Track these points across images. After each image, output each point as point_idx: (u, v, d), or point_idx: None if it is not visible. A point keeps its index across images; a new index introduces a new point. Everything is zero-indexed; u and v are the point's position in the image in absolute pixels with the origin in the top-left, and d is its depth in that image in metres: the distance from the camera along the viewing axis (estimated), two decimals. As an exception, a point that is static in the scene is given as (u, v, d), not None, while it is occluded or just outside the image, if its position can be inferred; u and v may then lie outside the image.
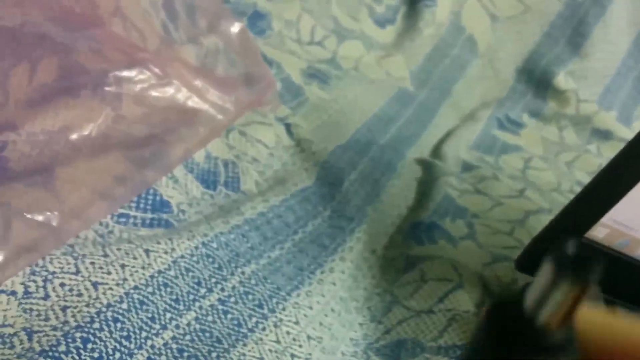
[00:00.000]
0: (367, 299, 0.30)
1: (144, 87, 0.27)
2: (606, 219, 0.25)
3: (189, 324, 0.23)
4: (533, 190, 0.43)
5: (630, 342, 0.10)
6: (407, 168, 0.43)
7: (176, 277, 0.24)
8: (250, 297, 0.25)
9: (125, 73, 0.27)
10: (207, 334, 0.23)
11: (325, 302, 0.27)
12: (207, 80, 0.27)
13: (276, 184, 0.34)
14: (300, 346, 0.25)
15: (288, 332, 0.25)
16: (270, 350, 0.23)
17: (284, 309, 0.25)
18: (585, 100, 0.55)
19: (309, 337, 0.25)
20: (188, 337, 0.22)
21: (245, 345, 0.23)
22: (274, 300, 0.26)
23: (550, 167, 0.49)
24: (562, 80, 0.56)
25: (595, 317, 0.10)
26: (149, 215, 0.28)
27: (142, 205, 0.28)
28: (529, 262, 0.26)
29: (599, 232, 0.26)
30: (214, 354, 0.22)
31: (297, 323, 0.25)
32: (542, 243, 0.26)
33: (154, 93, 0.26)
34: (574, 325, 0.10)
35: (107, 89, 0.27)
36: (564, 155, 0.51)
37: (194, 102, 0.26)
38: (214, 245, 0.26)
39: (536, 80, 0.58)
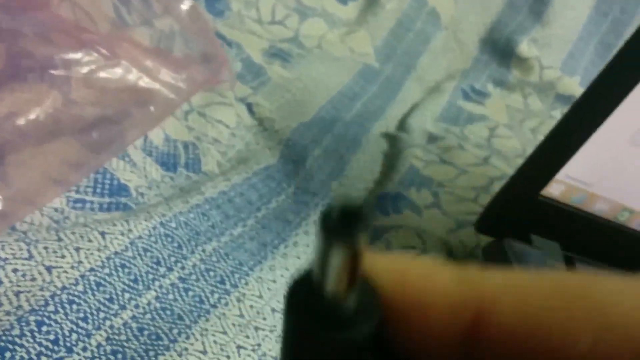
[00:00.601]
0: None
1: (92, 69, 0.26)
2: (560, 176, 0.26)
3: (149, 303, 0.23)
4: (498, 158, 0.44)
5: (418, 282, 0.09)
6: (372, 142, 0.43)
7: (134, 258, 0.23)
8: (211, 273, 0.25)
9: (72, 55, 0.26)
10: (168, 312, 0.23)
11: (287, 276, 0.27)
12: (159, 60, 0.27)
13: (239, 164, 0.34)
14: (264, 319, 0.25)
15: (252, 306, 0.25)
16: (233, 325, 0.23)
17: (246, 284, 0.25)
18: (549, 66, 0.56)
19: (273, 310, 0.25)
20: (148, 315, 0.22)
21: (207, 320, 0.23)
22: (237, 275, 0.25)
23: (515, 134, 0.50)
24: (525, 48, 0.57)
25: (386, 267, 0.09)
26: (107, 199, 0.27)
27: (98, 190, 0.27)
28: (488, 224, 0.27)
29: (555, 189, 0.26)
30: (175, 331, 0.22)
31: (260, 297, 0.25)
32: (500, 204, 0.26)
33: (103, 74, 0.25)
34: (365, 287, 0.09)
35: (54, 72, 0.26)
36: (528, 122, 0.52)
37: (145, 82, 0.26)
38: (173, 224, 0.26)
39: (500, 49, 0.58)
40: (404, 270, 0.09)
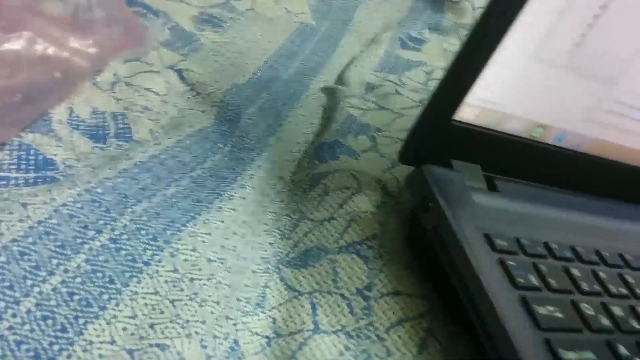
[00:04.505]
0: (276, 220, 0.31)
1: (-4, 44, 0.25)
2: (471, 98, 0.26)
3: (78, 267, 0.23)
4: (436, 99, 0.45)
5: None
6: (311, 97, 0.44)
7: (59, 225, 0.24)
8: (143, 232, 0.25)
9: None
10: (100, 274, 0.23)
11: (225, 227, 0.28)
12: (66, 28, 0.27)
13: (172, 129, 0.34)
14: (200, 270, 0.25)
15: (186, 260, 0.25)
16: (166, 282, 0.24)
17: (179, 239, 0.26)
18: (480, 7, 0.56)
19: (209, 260, 0.26)
20: (79, 279, 0.22)
21: (139, 281, 0.23)
22: (169, 232, 0.26)
23: (454, 76, 0.50)
24: (458, -9, 0.57)
25: None
26: (32, 174, 0.27)
27: (23, 167, 0.27)
28: (409, 154, 0.27)
29: (468, 113, 0.27)
30: (105, 296, 0.22)
31: (194, 250, 0.26)
32: (417, 133, 0.27)
33: (7, 46, 0.25)
34: None
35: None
36: (466, 63, 0.52)
37: (52, 51, 0.26)
38: (100, 190, 0.26)
39: (434, -5, 0.58)
40: None
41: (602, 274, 0.26)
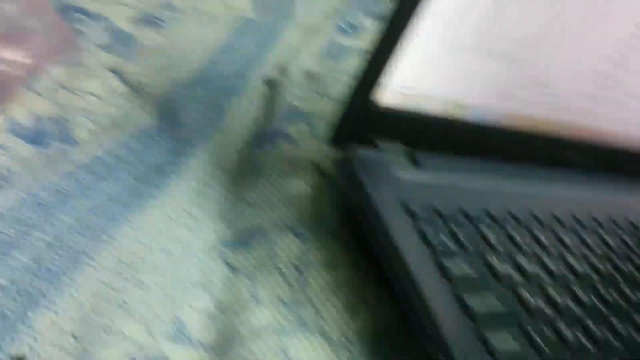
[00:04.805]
0: (220, 208, 0.33)
1: None
2: (390, 83, 0.28)
3: (24, 264, 0.24)
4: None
5: None
6: (253, 90, 0.45)
7: (2, 229, 0.25)
8: (86, 228, 0.27)
9: None
10: (44, 269, 0.24)
11: (167, 218, 0.29)
12: (-3, 39, 0.27)
13: (113, 130, 0.35)
14: (143, 259, 0.27)
15: (129, 252, 0.27)
16: (110, 272, 0.25)
17: (122, 233, 0.27)
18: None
19: (152, 250, 0.27)
20: (26, 276, 0.24)
21: (84, 274, 0.25)
22: (112, 226, 0.27)
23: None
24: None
25: None
26: (-26, 182, 0.28)
27: (-36, 175, 0.28)
28: (339, 137, 0.29)
29: (389, 97, 0.29)
30: (51, 289, 0.24)
31: (137, 241, 0.27)
32: (344, 117, 0.29)
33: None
34: None
35: None
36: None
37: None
38: (42, 193, 0.27)
39: (371, -17, 0.60)
40: None
41: (514, 233, 0.28)
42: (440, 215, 0.27)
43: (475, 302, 0.23)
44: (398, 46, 0.27)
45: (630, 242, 0.33)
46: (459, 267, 0.24)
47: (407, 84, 0.29)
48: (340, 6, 0.59)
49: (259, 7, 0.57)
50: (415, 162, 0.30)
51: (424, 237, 0.25)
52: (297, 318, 0.26)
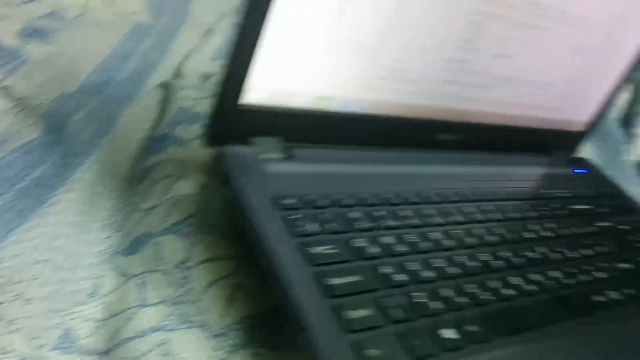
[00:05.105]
0: (110, 216, 0.34)
1: None
2: (253, 83, 0.30)
3: None
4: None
5: None
6: (146, 94, 0.46)
7: None
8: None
9: None
10: None
11: (52, 230, 0.30)
12: None
13: (-2, 147, 0.35)
14: (25, 272, 0.27)
15: (9, 266, 0.27)
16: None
17: (3, 247, 0.28)
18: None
19: (35, 262, 0.28)
20: None
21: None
22: (-8, 244, 0.28)
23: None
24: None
25: None
26: None
27: None
28: (213, 136, 0.31)
29: (255, 96, 0.31)
30: None
31: (19, 255, 0.28)
32: (215, 117, 0.30)
33: None
34: None
35: None
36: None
37: None
38: None
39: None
40: None
41: (379, 213, 0.31)
42: (307, 203, 0.29)
43: (334, 279, 0.25)
44: (254, 47, 0.29)
45: (490, 215, 0.36)
46: (321, 249, 0.27)
47: (268, 80, 0.31)
48: (236, 6, 0.60)
49: (153, 10, 0.57)
50: (289, 156, 0.32)
51: (289, 225, 0.27)
52: (181, 314, 0.28)
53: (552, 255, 0.35)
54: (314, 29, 0.30)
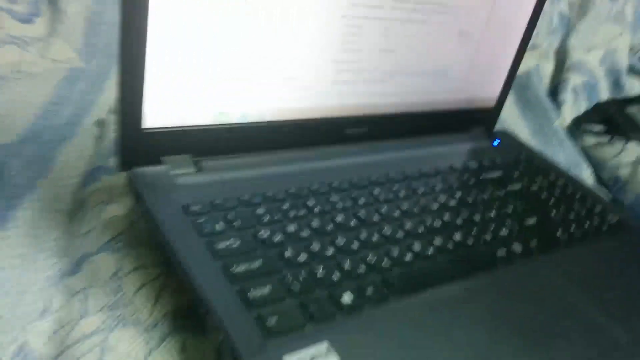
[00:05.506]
0: (58, 245, 0.37)
1: None
2: (150, 108, 0.34)
3: None
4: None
5: None
6: (85, 133, 0.50)
7: None
8: None
9: None
10: None
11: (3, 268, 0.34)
12: None
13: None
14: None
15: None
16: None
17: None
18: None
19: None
20: None
21: None
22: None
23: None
24: None
25: None
26: None
27: None
28: (124, 161, 0.34)
29: (155, 120, 0.34)
30: None
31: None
32: (122, 143, 0.34)
33: None
34: None
35: None
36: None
37: None
38: None
39: None
40: None
41: (285, 206, 0.35)
42: (215, 206, 0.33)
43: (237, 267, 0.29)
44: (141, 75, 0.32)
45: (398, 194, 0.40)
46: (225, 243, 0.30)
47: (167, 105, 0.34)
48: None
49: (85, 54, 0.61)
50: (198, 169, 0.36)
51: (199, 229, 0.31)
52: (117, 316, 0.31)
53: (457, 221, 0.39)
54: (197, 51, 0.34)
